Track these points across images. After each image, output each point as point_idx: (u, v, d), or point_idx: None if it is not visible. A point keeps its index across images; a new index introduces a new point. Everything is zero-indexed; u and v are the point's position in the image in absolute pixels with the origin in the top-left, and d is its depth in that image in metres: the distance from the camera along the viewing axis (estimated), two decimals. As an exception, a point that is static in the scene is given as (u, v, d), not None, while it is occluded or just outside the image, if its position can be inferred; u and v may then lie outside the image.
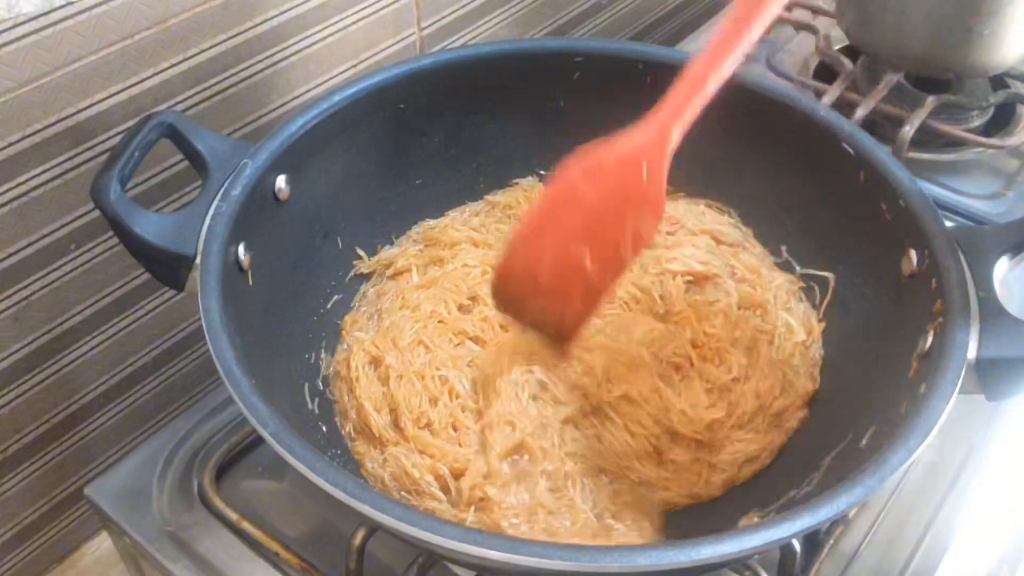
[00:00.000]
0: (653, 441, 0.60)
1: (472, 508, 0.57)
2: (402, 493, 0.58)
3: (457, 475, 0.58)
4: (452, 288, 0.68)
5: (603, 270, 0.58)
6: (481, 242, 0.72)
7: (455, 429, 0.61)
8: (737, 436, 0.62)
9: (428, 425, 0.61)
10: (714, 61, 0.55)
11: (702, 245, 0.71)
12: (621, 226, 0.57)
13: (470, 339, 0.66)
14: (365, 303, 0.70)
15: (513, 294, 0.61)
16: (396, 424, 0.61)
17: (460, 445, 0.60)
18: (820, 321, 0.67)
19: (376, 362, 0.64)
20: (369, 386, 0.63)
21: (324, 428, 0.62)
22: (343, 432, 0.62)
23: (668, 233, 0.73)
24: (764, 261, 0.72)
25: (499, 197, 0.76)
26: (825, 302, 0.68)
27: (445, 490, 0.58)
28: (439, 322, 0.66)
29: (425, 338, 0.65)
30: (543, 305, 0.60)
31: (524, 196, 0.75)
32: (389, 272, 0.71)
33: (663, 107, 0.56)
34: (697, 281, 0.70)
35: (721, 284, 0.69)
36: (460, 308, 0.68)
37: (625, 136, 0.56)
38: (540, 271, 0.59)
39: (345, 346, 0.67)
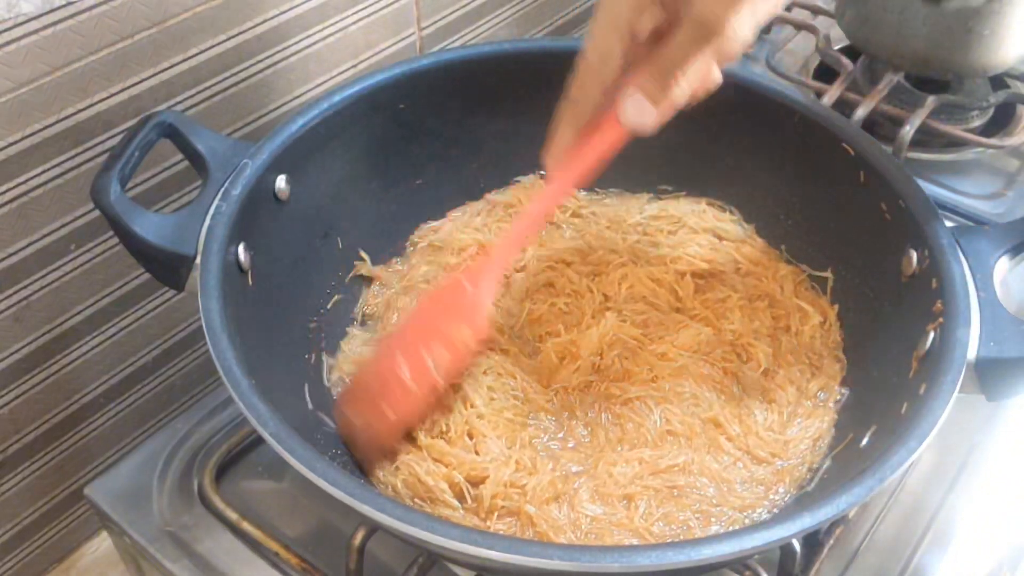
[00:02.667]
0: (740, 467, 0.60)
1: (495, 515, 0.57)
2: (416, 500, 0.58)
3: (475, 483, 0.58)
4: None
5: (415, 378, 0.59)
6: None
7: (471, 437, 0.60)
8: (793, 432, 0.62)
9: (443, 434, 0.60)
10: (553, 196, 0.60)
11: (705, 243, 0.72)
12: (436, 331, 0.60)
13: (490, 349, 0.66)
14: (374, 320, 0.69)
15: (351, 409, 0.61)
16: (408, 433, 0.61)
17: (477, 453, 0.59)
18: (833, 305, 0.67)
19: None
20: None
21: (324, 428, 0.62)
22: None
23: (670, 232, 0.73)
24: (768, 253, 0.72)
25: (500, 196, 0.76)
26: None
27: (460, 498, 0.58)
28: None
29: None
30: (366, 417, 0.60)
31: (525, 194, 0.75)
32: (402, 283, 0.70)
33: (498, 242, 0.63)
34: (704, 279, 0.70)
35: (727, 280, 0.70)
36: None
37: (468, 264, 0.64)
38: (370, 382, 0.61)
39: (349, 359, 0.66)
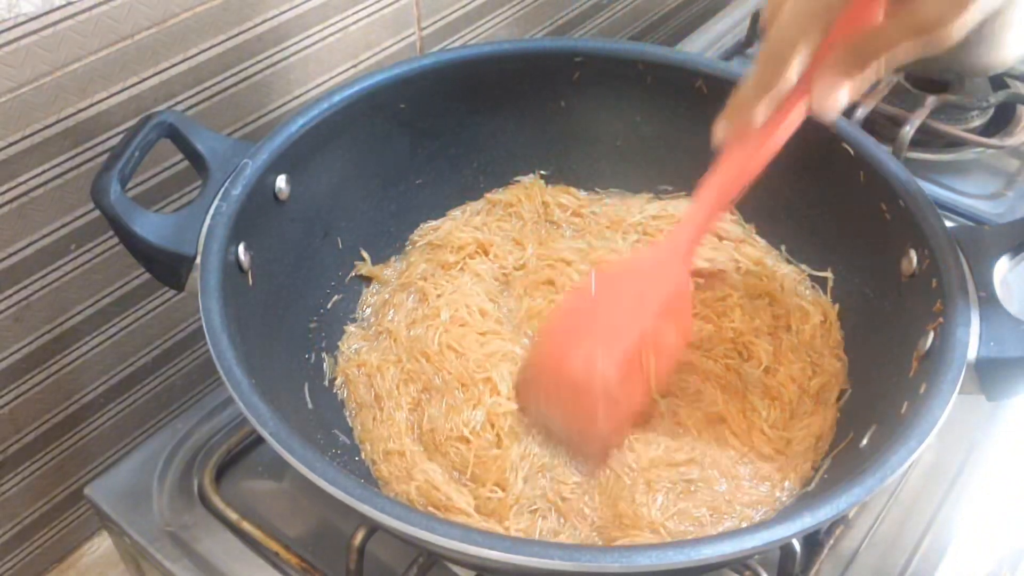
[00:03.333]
0: (747, 462, 0.60)
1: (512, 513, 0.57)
2: (429, 508, 0.57)
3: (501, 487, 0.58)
4: (471, 293, 0.68)
5: (628, 390, 0.57)
6: (488, 245, 0.72)
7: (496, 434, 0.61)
8: (796, 428, 0.62)
9: (464, 439, 0.60)
10: (730, 177, 0.56)
11: (705, 242, 0.71)
12: (642, 335, 0.57)
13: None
14: (369, 318, 0.70)
15: (538, 390, 0.60)
16: (423, 440, 0.61)
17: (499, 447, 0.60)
18: (834, 304, 0.67)
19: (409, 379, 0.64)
20: (398, 412, 0.63)
21: (324, 428, 0.62)
22: (363, 457, 0.62)
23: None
24: (768, 253, 0.72)
25: (500, 195, 0.76)
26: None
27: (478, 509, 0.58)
28: (460, 325, 0.66)
29: (453, 342, 0.65)
30: (570, 419, 0.58)
31: (525, 194, 0.75)
32: (399, 280, 0.71)
33: (680, 227, 0.58)
34: (704, 278, 0.70)
35: (728, 279, 0.70)
36: (481, 313, 0.67)
37: (648, 249, 0.58)
38: (563, 371, 0.58)
39: (348, 359, 0.66)
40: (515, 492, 0.57)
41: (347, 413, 0.64)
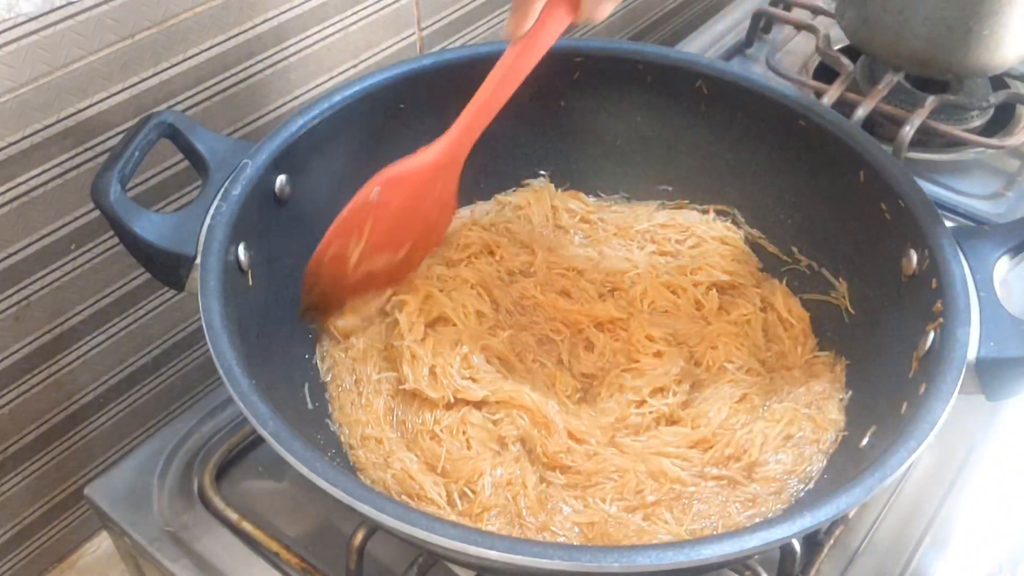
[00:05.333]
0: None
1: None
2: (403, 497, 0.58)
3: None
4: (471, 293, 0.68)
5: (405, 261, 0.67)
6: (494, 246, 0.72)
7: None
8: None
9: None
10: (499, 87, 0.61)
11: (727, 253, 0.71)
12: (422, 223, 0.66)
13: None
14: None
15: (327, 280, 0.64)
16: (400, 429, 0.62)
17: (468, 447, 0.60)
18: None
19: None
20: (377, 398, 0.63)
21: (324, 428, 0.62)
22: (341, 440, 0.62)
23: (678, 241, 0.73)
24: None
25: (510, 197, 0.76)
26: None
27: (451, 502, 0.58)
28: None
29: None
30: (352, 290, 0.65)
31: (534, 197, 0.76)
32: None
33: (454, 128, 0.63)
34: (723, 291, 0.70)
35: (748, 293, 0.70)
36: (477, 314, 0.67)
37: (422, 153, 0.63)
38: (350, 262, 0.64)
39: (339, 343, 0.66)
40: (483, 498, 0.57)
41: (327, 396, 0.64)
